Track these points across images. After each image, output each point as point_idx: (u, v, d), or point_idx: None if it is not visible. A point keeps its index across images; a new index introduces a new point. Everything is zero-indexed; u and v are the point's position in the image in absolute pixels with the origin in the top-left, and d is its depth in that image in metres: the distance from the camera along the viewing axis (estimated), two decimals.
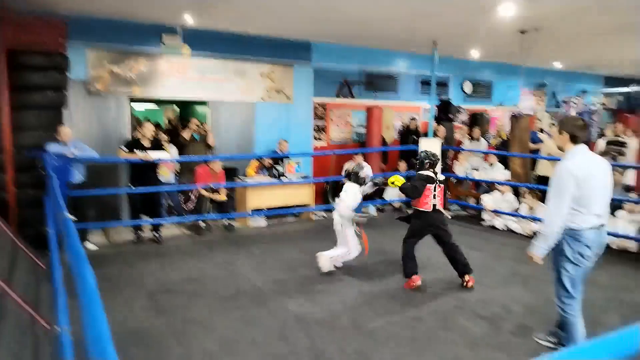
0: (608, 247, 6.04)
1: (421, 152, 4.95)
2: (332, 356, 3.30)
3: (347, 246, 5.07)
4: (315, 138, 9.21)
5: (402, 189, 4.68)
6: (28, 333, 2.93)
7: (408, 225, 4.84)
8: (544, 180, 7.41)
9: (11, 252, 4.25)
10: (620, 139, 8.32)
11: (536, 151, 7.96)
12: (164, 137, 7.25)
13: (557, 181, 2.98)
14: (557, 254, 3.12)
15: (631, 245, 5.97)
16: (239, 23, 7.29)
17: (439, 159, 4.92)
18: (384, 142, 9.23)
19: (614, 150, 7.88)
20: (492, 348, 3.44)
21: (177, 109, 11.39)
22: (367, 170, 5.20)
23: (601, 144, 8.68)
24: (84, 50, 6.75)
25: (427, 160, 4.73)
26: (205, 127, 7.76)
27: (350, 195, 5.06)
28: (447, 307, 4.18)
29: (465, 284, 4.63)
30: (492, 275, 5.02)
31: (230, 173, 7.65)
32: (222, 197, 7.00)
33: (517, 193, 7.59)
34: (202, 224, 6.89)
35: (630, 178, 6.96)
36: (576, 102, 12.84)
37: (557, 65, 11.88)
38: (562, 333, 3.31)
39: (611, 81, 13.93)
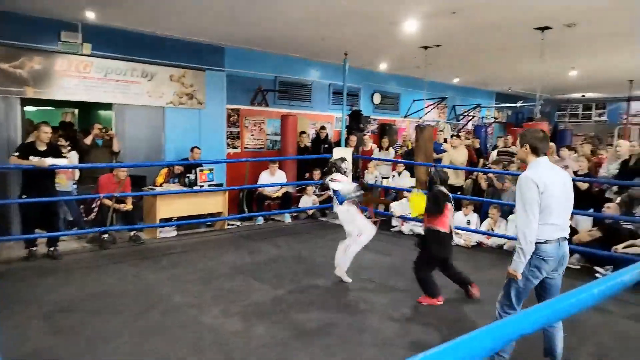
0: (501, 248, 6.73)
1: (431, 170, 4.93)
2: None
3: (359, 230, 4.97)
4: (228, 145, 9.05)
5: (426, 209, 4.50)
6: None
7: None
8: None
9: None
10: (510, 149, 9.21)
11: (439, 160, 8.53)
12: (63, 142, 6.67)
13: (522, 194, 2.91)
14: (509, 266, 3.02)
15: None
16: (147, 23, 6.98)
17: (448, 177, 4.85)
18: (304, 149, 9.31)
19: (505, 159, 8.69)
20: (402, 348, 3.61)
21: (77, 112, 10.57)
22: (347, 164, 5.38)
23: (493, 154, 9.54)
24: None
25: (437, 177, 4.57)
26: (110, 132, 7.28)
27: (344, 181, 5.15)
28: (359, 311, 4.31)
29: (470, 294, 4.63)
30: (401, 279, 5.27)
31: (138, 181, 7.24)
32: (127, 206, 6.59)
33: None
34: (106, 237, 6.42)
35: None
36: (473, 115, 14.02)
37: (456, 80, 12.91)
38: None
39: (501, 97, 15.43)
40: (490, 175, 7.73)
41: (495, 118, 15.57)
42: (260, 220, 8.26)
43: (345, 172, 5.32)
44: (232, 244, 6.76)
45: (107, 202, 6.37)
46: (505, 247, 6.73)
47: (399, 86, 12.21)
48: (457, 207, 7.67)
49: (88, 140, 6.96)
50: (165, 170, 7.47)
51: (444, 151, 8.66)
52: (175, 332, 3.75)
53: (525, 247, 2.87)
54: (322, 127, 9.64)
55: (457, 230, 7.01)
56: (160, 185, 7.31)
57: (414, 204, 5.03)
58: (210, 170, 7.53)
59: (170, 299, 4.48)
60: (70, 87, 6.92)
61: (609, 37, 7.05)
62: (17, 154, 5.57)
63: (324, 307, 4.37)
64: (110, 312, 4.11)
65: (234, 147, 9.17)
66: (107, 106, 8.00)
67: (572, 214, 6.07)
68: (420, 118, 10.13)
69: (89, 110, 10.37)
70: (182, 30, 7.46)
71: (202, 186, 7.35)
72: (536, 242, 2.89)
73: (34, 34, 6.58)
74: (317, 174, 8.83)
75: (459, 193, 7.90)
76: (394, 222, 7.95)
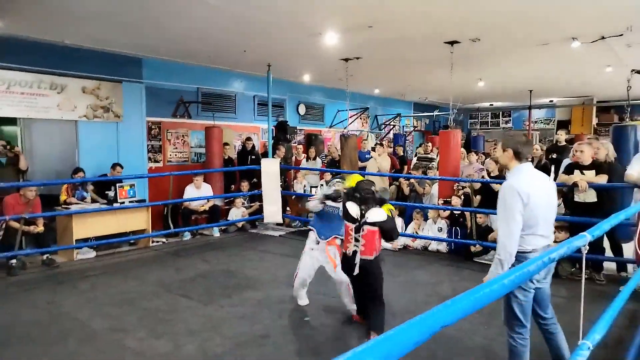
0: (426, 249, 7.07)
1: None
2: None
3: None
4: (150, 159, 8.68)
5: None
6: None
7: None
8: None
9: None
10: (429, 155, 9.74)
11: (364, 168, 8.80)
12: None
13: (503, 202, 2.77)
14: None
15: (441, 247, 7.02)
16: (53, 32, 6.52)
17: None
18: (228, 161, 9.16)
19: (425, 165, 9.17)
20: (336, 351, 3.65)
21: None
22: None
23: (414, 160, 10.03)
24: None
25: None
26: (15, 149, 6.70)
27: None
28: (293, 321, 4.31)
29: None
30: (332, 284, 5.33)
31: (50, 201, 6.71)
32: (38, 228, 6.08)
33: None
34: (14, 262, 5.86)
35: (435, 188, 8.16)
36: (393, 124, 14.65)
37: (377, 91, 13.44)
38: None
39: (419, 107, 16.29)
40: (412, 180, 8.11)
41: (414, 127, 16.40)
42: (188, 236, 7.99)
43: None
44: (157, 262, 6.47)
45: (15, 224, 5.84)
46: (429, 248, 7.08)
47: (324, 97, 12.46)
48: None
49: None
50: (65, 186, 6.96)
51: (368, 159, 8.95)
52: None
53: (505, 258, 2.73)
54: (248, 139, 9.56)
55: None
56: (64, 202, 6.81)
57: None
58: (131, 185, 7.17)
59: (89, 325, 4.18)
60: None
61: (509, 50, 7.71)
62: None
63: (257, 320, 4.31)
64: (19, 343, 3.76)
65: (156, 161, 8.81)
66: (12, 121, 7.36)
67: (487, 213, 6.59)
68: (344, 128, 10.41)
69: None
70: (95, 40, 7.06)
71: (122, 203, 6.98)
72: (524, 252, 2.78)
73: None
74: (245, 185, 8.74)
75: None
76: None
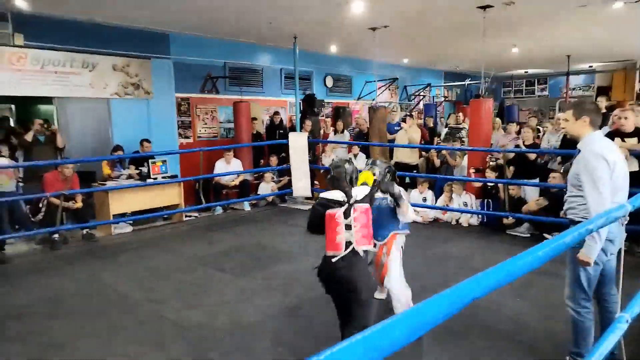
0: (457, 223, 6.97)
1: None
2: (215, 356, 3.23)
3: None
4: (180, 135, 8.82)
5: None
6: None
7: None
8: (402, 166, 8.13)
9: None
10: (460, 126, 9.51)
11: (393, 140, 8.69)
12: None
13: (590, 170, 2.62)
14: (575, 252, 2.66)
15: (473, 220, 6.92)
16: (82, 9, 6.61)
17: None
18: (257, 136, 9.20)
19: (456, 136, 8.97)
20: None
21: (14, 108, 9.96)
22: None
23: (444, 131, 9.81)
24: None
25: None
26: (52, 127, 6.92)
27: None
28: (324, 293, 4.36)
29: None
30: None
31: (87, 177, 6.94)
32: (77, 204, 6.32)
33: None
34: (56, 237, 6.13)
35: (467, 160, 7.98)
36: (423, 95, 14.31)
37: (405, 61, 13.10)
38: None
39: (450, 76, 15.82)
40: (444, 152, 7.96)
41: (445, 97, 15.98)
42: (219, 210, 8.15)
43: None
44: (191, 236, 6.64)
45: (55, 200, 6.08)
46: (460, 222, 6.98)
47: (351, 68, 12.25)
48: (413, 185, 7.88)
49: (29, 137, 6.60)
50: (105, 162, 7.20)
51: (397, 131, 8.80)
52: (136, 330, 3.66)
53: (602, 229, 2.48)
54: (276, 113, 9.56)
55: (415, 208, 7.20)
56: (109, 176, 7.05)
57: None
58: (164, 162, 7.32)
59: (128, 297, 4.36)
60: (3, 81, 6.47)
61: (546, 14, 7.34)
62: None
63: (289, 292, 4.39)
64: (65, 316, 3.96)
65: (186, 137, 8.94)
66: (48, 100, 7.58)
67: (519, 184, 6.41)
68: (373, 100, 10.25)
69: (27, 105, 9.81)
70: (123, 17, 7.13)
71: (155, 178, 7.15)
72: None
73: None
74: (273, 159, 8.79)
75: (414, 171, 8.08)
76: None
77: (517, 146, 6.84)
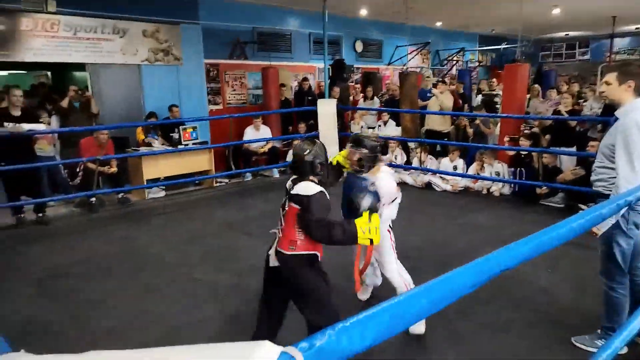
0: (488, 192, 6.84)
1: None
2: (245, 319, 3.33)
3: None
4: (210, 102, 8.86)
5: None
6: None
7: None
8: (432, 134, 7.97)
9: None
10: (493, 92, 9.19)
11: (425, 107, 8.50)
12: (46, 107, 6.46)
13: (629, 141, 2.44)
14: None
15: (505, 190, 6.77)
16: None
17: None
18: (287, 103, 9.17)
19: (491, 102, 8.69)
20: (390, 290, 3.71)
21: (50, 75, 10.20)
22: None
23: (478, 98, 9.51)
24: None
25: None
26: (86, 93, 7.07)
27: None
28: (348, 260, 4.39)
29: None
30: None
31: (120, 143, 7.11)
32: (112, 169, 6.50)
33: (407, 148, 8.10)
34: (94, 200, 6.36)
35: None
36: (457, 60, 13.83)
37: (439, 24, 12.62)
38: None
39: (485, 40, 15.18)
40: (477, 120, 7.74)
41: (480, 62, 15.40)
42: (249, 177, 8.24)
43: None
44: (221, 202, 6.77)
45: (91, 165, 6.27)
46: (492, 191, 6.84)
47: (381, 32, 11.91)
48: (444, 153, 7.74)
49: (64, 103, 6.76)
50: (139, 128, 7.36)
51: (429, 98, 8.58)
52: (168, 291, 3.81)
53: None
54: (304, 79, 9.45)
55: (444, 176, 7.10)
56: (143, 141, 7.21)
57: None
58: (194, 128, 7.41)
59: (162, 259, 4.52)
60: (38, 47, 6.61)
61: None
62: None
63: None
64: (101, 276, 4.14)
65: (216, 104, 8.99)
66: (81, 67, 7.71)
67: (556, 153, 6.19)
68: (404, 65, 9.98)
69: (62, 72, 10.01)
70: None
71: (186, 145, 7.26)
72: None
73: None
74: (302, 127, 8.75)
75: (445, 139, 7.92)
76: None
77: (555, 112, 6.57)
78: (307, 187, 2.40)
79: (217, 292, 3.75)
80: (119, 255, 4.63)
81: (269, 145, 8.41)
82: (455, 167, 7.21)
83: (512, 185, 6.71)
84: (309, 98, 9.15)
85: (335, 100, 8.48)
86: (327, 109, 8.15)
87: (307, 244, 2.43)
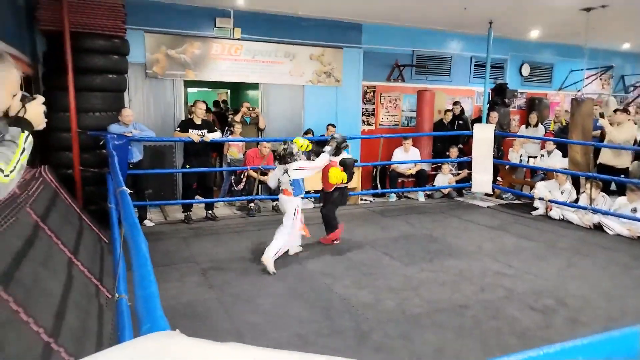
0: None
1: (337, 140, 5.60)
2: (377, 338, 3.32)
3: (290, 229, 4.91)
4: (363, 122, 9.14)
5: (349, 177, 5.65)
6: (93, 301, 3.15)
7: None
8: (606, 169, 7.00)
9: (78, 226, 4.55)
10: None
11: (596, 138, 7.51)
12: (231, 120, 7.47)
13: None
14: None
15: None
16: (289, 4, 7.31)
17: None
18: (441, 125, 8.97)
19: None
20: (542, 340, 3.33)
21: (229, 93, 11.63)
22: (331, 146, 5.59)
23: None
24: (142, 34, 7.00)
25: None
26: (256, 110, 7.90)
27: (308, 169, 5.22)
28: (496, 297, 4.08)
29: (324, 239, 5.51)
30: (544, 266, 4.84)
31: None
32: None
33: (577, 183, 7.23)
34: (252, 205, 7.05)
35: None
36: None
37: (626, 46, 11.07)
38: None
39: None
40: None
41: None
42: (393, 197, 8.24)
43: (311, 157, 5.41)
44: (364, 219, 6.89)
45: (253, 174, 6.97)
46: None
47: (553, 55, 10.92)
48: (621, 192, 6.71)
49: (237, 118, 7.65)
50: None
51: (600, 128, 7.53)
52: (309, 298, 4.00)
53: None
54: (456, 103, 9.15)
55: (622, 219, 6.14)
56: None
57: (334, 175, 5.39)
58: (346, 146, 7.70)
59: (306, 266, 4.77)
60: (223, 69, 7.65)
61: None
62: (178, 129, 6.44)
63: (457, 289, 4.23)
64: (255, 274, 4.54)
65: (369, 124, 9.23)
66: (254, 86, 8.66)
67: None
68: (578, 90, 8.99)
69: (239, 90, 11.35)
70: (323, 9, 7.65)
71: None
72: None
73: (194, 22, 7.36)
74: (453, 151, 8.46)
75: (622, 176, 6.88)
76: (536, 204, 7.24)
77: None
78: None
79: (353, 308, 3.81)
80: None
81: (417, 168, 8.31)
82: (634, 210, 6.18)
83: None
84: (460, 122, 8.82)
85: (493, 125, 8.02)
86: (484, 134, 7.75)
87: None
